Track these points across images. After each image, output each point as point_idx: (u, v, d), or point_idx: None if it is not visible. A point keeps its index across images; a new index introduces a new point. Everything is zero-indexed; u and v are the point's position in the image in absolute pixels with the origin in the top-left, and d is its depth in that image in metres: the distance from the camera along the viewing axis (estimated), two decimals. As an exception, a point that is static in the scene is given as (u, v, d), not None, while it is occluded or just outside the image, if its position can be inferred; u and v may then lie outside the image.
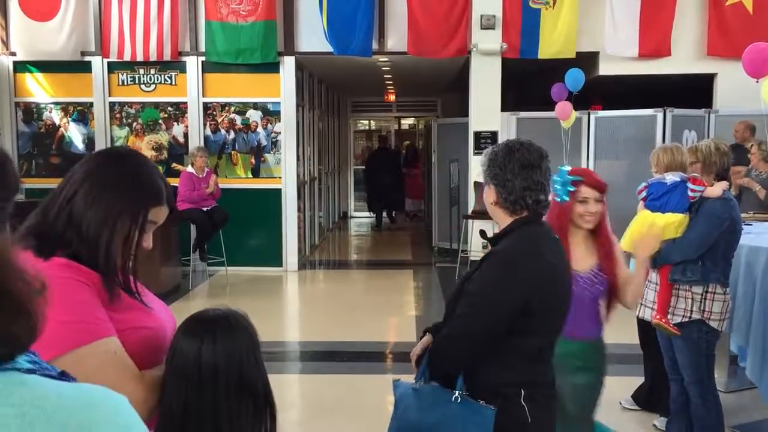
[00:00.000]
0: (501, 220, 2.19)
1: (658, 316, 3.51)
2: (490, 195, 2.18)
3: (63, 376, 0.82)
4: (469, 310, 2.06)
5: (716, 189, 3.46)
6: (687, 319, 3.44)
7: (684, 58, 8.73)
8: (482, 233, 6.90)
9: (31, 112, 9.22)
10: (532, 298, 2.03)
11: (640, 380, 4.57)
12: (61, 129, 9.17)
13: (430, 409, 2.09)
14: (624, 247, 3.80)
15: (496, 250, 2.13)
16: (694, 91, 9.25)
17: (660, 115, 8.32)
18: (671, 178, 3.48)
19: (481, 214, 7.56)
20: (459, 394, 2.04)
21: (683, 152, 3.58)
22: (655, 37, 8.62)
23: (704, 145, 3.68)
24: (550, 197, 2.22)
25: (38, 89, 9.17)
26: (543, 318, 2.07)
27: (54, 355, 1.33)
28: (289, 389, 5.15)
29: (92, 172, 1.50)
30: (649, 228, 3.31)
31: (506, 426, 2.01)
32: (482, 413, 2.00)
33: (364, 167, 15.41)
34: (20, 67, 9.08)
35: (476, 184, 8.47)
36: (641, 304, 3.69)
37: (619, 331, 5.70)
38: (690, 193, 3.42)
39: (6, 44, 8.98)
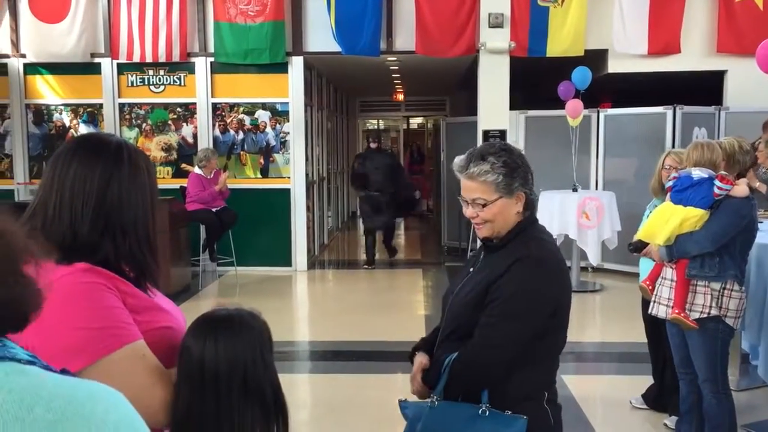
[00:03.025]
0: (508, 225, 2.11)
1: (676, 311, 3.48)
2: (512, 205, 2.08)
3: (64, 373, 0.84)
4: (505, 317, 1.98)
5: (743, 188, 3.42)
6: (705, 316, 3.42)
7: (694, 55, 8.68)
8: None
9: (41, 114, 9.27)
10: (561, 297, 2.06)
11: (650, 379, 4.55)
12: (71, 130, 9.21)
13: (457, 427, 1.98)
14: (639, 235, 3.81)
15: (525, 255, 2.02)
16: (704, 88, 9.21)
17: (670, 113, 8.28)
18: (698, 173, 3.45)
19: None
20: (486, 407, 1.95)
21: (715, 150, 3.55)
22: (664, 34, 8.58)
23: (728, 143, 3.68)
24: None
25: (48, 91, 9.22)
26: (563, 317, 2.09)
27: (87, 363, 1.33)
28: (299, 389, 5.16)
29: (111, 172, 1.47)
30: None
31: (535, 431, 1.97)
32: (514, 424, 1.93)
33: (350, 173, 11.44)
34: (30, 69, 9.13)
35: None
36: (655, 302, 3.66)
37: (630, 331, 5.70)
38: (716, 191, 3.37)
39: (16, 46, 9.04)
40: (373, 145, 9.95)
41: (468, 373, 2.01)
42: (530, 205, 2.12)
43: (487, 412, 1.94)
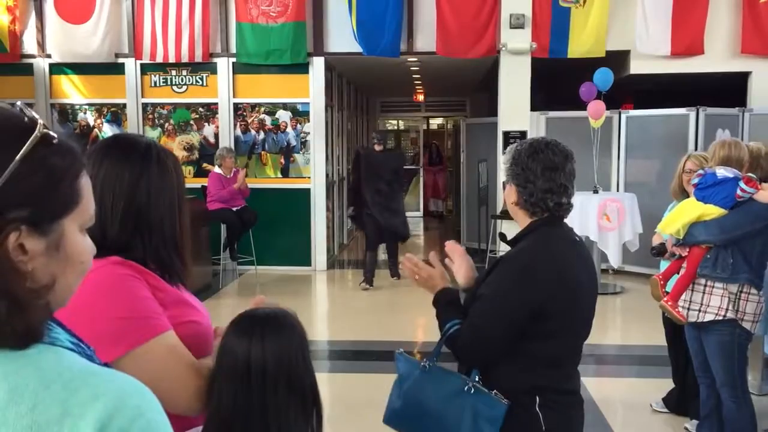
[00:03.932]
0: (521, 221, 2.17)
1: (668, 302, 3.54)
2: (510, 194, 2.17)
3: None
4: (483, 316, 2.02)
5: (767, 194, 3.38)
6: (721, 318, 3.39)
7: (717, 56, 8.58)
8: (502, 237, 6.62)
9: (66, 114, 9.40)
10: (547, 302, 1.98)
11: (671, 383, 4.52)
12: (95, 130, 9.33)
13: (441, 395, 2.05)
14: (659, 227, 3.82)
15: (509, 254, 2.11)
16: (728, 90, 9.11)
17: (693, 115, 8.21)
18: (722, 172, 3.42)
19: (510, 214, 7.49)
20: (472, 384, 1.99)
21: (742, 148, 3.52)
22: (687, 34, 8.50)
23: (755, 147, 3.68)
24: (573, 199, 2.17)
25: (73, 91, 9.35)
26: (560, 322, 2.01)
27: (124, 352, 1.37)
28: (319, 388, 5.18)
29: (140, 173, 1.50)
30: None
31: None
32: (494, 406, 1.95)
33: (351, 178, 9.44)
34: (56, 69, 9.26)
35: (505, 184, 8.41)
36: (686, 308, 3.61)
37: (650, 333, 5.66)
38: (739, 192, 3.33)
39: (42, 47, 9.17)
40: (378, 148, 8.29)
41: (455, 347, 2.07)
42: (528, 206, 2.11)
43: (473, 389, 1.98)
